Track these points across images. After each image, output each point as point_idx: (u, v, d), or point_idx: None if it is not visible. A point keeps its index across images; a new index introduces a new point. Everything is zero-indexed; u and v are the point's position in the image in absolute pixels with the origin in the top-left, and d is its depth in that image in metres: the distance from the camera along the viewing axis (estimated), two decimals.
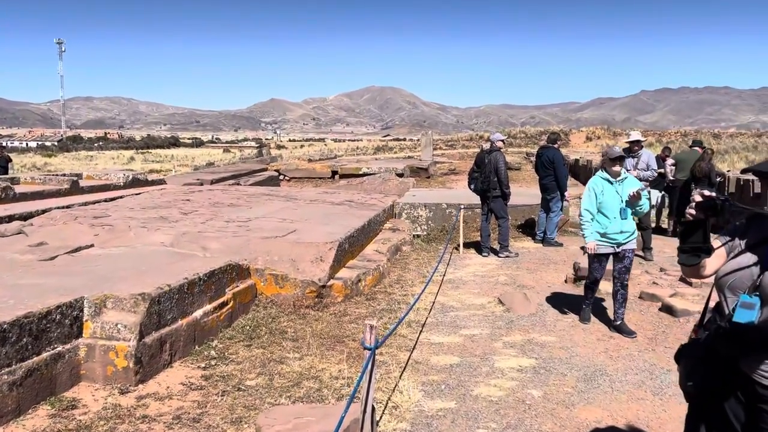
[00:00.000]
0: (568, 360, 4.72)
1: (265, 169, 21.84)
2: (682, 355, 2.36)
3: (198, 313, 5.08)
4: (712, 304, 2.31)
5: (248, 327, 5.51)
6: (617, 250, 5.41)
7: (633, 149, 8.43)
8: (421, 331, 5.45)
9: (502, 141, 9.23)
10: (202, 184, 15.23)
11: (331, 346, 5.07)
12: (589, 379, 4.32)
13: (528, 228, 11.02)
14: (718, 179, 10.67)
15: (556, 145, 9.92)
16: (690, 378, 2.27)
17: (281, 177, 22.13)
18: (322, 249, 6.69)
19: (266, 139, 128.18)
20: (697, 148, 10.74)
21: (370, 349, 2.85)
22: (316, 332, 5.40)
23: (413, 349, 4.98)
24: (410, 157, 29.07)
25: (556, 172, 9.66)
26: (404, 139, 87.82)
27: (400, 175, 19.33)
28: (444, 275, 7.80)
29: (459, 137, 54.07)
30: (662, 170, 10.09)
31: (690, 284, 6.56)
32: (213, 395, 4.05)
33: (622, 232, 5.32)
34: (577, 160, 25.62)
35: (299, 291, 6.28)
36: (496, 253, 9.10)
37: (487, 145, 9.34)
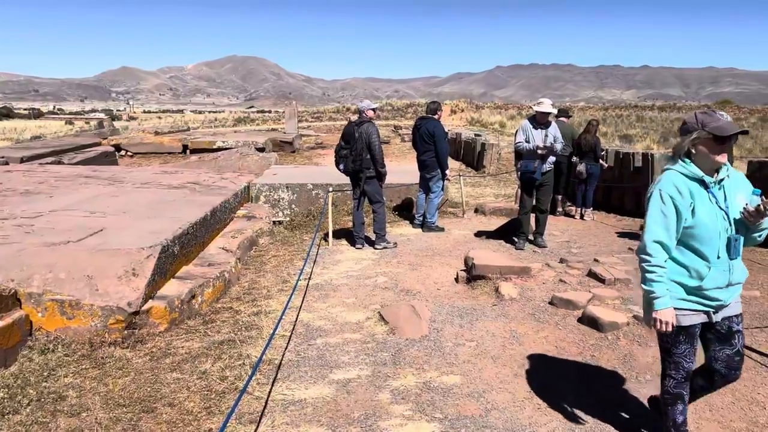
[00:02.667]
0: (484, 419, 3.30)
1: (100, 144, 18.68)
2: None
3: None
4: None
5: (4, 392, 3.55)
6: (714, 318, 2.78)
7: (547, 121, 7.24)
8: (275, 379, 3.80)
9: (373, 110, 7.65)
10: (7, 163, 12.24)
11: (132, 421, 3.27)
12: None
13: (404, 210, 9.70)
14: (602, 153, 9.93)
15: (436, 116, 8.59)
16: None
17: (123, 153, 19.13)
18: (137, 257, 4.78)
19: (118, 110, 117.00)
20: (563, 119, 9.73)
21: None
22: (112, 394, 3.56)
23: (261, 417, 3.33)
24: (274, 130, 26.80)
25: (436, 147, 8.35)
26: (269, 111, 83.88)
27: (261, 150, 17.26)
28: (310, 278, 6.19)
29: (325, 109, 52.20)
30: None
31: (602, 281, 5.51)
32: None
33: (729, 284, 2.72)
34: (445, 134, 25.05)
35: (99, 322, 4.36)
36: (371, 243, 7.64)
37: (355, 117, 7.76)
